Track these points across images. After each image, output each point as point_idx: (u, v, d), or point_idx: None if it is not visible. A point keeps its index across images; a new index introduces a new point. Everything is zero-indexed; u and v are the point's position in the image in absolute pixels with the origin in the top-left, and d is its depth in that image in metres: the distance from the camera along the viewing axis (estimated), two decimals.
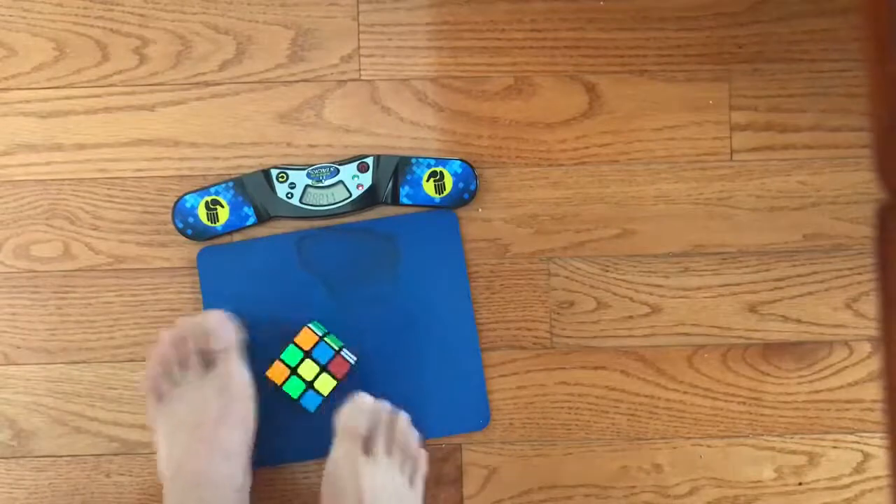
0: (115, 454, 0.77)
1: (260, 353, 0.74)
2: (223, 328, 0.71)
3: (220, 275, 0.76)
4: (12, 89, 0.77)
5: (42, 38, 0.77)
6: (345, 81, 0.77)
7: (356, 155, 0.76)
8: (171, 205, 0.76)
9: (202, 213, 0.76)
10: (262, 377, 0.73)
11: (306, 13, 0.77)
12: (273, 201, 0.76)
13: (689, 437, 0.78)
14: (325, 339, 0.73)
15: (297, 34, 0.77)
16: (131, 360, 0.77)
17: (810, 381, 0.78)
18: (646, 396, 0.78)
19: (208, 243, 0.77)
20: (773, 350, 0.78)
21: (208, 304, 0.76)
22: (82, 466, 0.77)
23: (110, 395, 0.77)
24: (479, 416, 0.77)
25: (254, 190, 0.76)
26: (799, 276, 0.78)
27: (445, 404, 0.76)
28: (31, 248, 0.77)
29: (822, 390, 0.78)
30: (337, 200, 0.76)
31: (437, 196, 0.77)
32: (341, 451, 0.70)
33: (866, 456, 0.78)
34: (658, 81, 0.78)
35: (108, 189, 0.77)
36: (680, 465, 0.78)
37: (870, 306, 0.78)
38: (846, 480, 0.78)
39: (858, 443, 0.78)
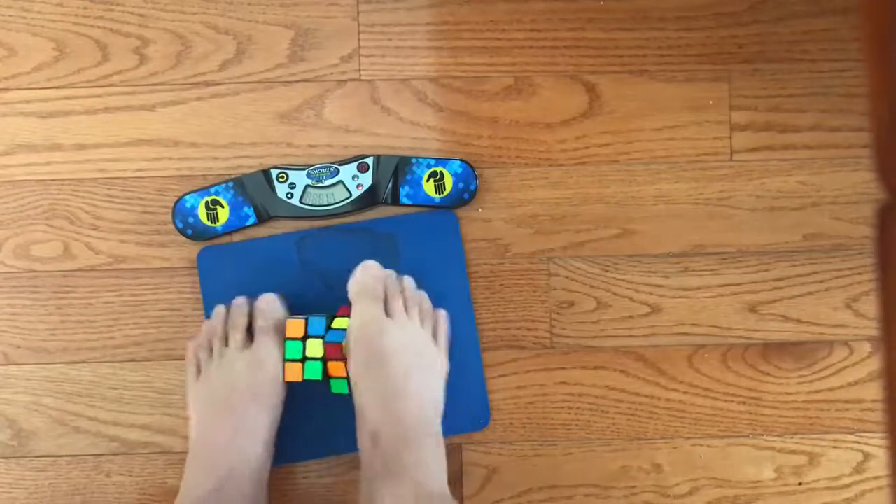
0: (115, 454, 0.77)
1: None
2: (270, 307, 0.72)
3: (220, 275, 0.76)
4: (12, 89, 0.77)
5: (42, 38, 0.77)
6: (345, 81, 0.77)
7: (356, 155, 0.76)
8: (171, 205, 0.76)
9: (202, 213, 0.76)
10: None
11: (306, 13, 0.77)
12: (273, 201, 0.76)
13: (689, 437, 0.78)
14: (309, 317, 0.73)
15: (297, 34, 0.77)
16: (131, 360, 0.77)
17: (810, 381, 0.78)
18: (646, 396, 0.78)
19: (208, 243, 0.77)
20: (773, 350, 0.78)
21: (208, 304, 0.76)
22: (82, 466, 0.77)
23: (110, 395, 0.77)
24: (479, 416, 0.77)
25: (254, 190, 0.76)
26: (799, 276, 0.78)
27: (446, 404, 0.76)
28: (31, 248, 0.77)
29: (822, 390, 0.78)
30: (337, 200, 0.76)
31: (437, 196, 0.77)
32: (365, 313, 0.70)
33: (866, 456, 0.78)
34: (658, 81, 0.78)
35: (108, 189, 0.77)
36: (680, 465, 0.78)
37: (870, 306, 0.78)
38: (846, 480, 0.78)
39: (858, 443, 0.78)
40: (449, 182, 0.76)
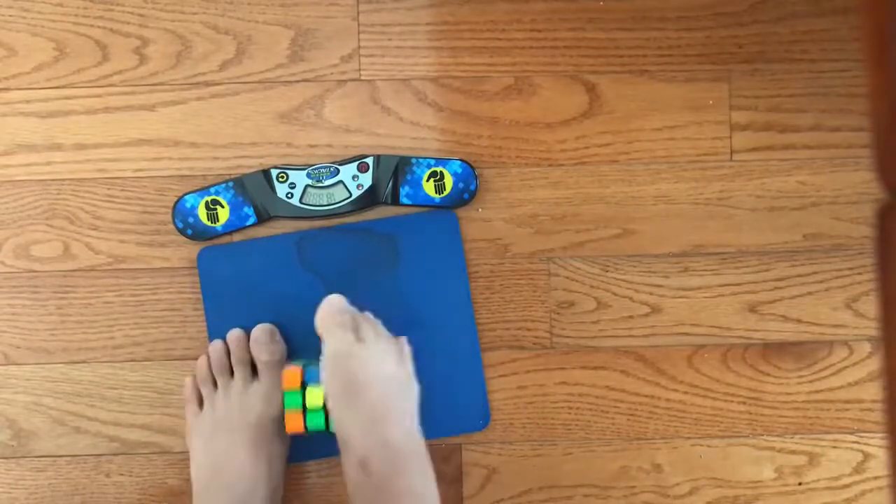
0: (115, 454, 0.77)
1: None
2: (272, 340, 0.74)
3: (220, 275, 0.76)
4: (12, 89, 0.77)
5: (42, 38, 0.77)
6: (345, 81, 0.77)
7: (356, 155, 0.76)
8: (171, 205, 0.76)
9: (202, 213, 0.76)
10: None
11: (306, 13, 0.77)
12: (273, 201, 0.76)
13: (689, 437, 0.78)
14: (306, 366, 0.70)
15: (297, 34, 0.77)
16: (131, 360, 0.77)
17: (810, 381, 0.78)
18: (646, 396, 0.78)
19: (208, 243, 0.77)
20: (772, 350, 0.78)
21: (208, 304, 0.76)
22: (82, 466, 0.77)
23: (110, 395, 0.77)
24: (479, 416, 0.77)
25: (254, 190, 0.76)
26: (799, 276, 0.78)
27: (445, 404, 0.76)
28: (31, 248, 0.77)
29: (821, 390, 0.78)
30: (337, 200, 0.76)
31: (437, 196, 0.77)
32: (336, 342, 0.68)
33: (866, 456, 0.78)
34: (658, 81, 0.78)
35: (108, 189, 0.77)
36: (680, 465, 0.78)
37: (870, 306, 0.78)
38: (846, 480, 0.78)
39: (858, 443, 0.78)
40: (449, 182, 0.76)
